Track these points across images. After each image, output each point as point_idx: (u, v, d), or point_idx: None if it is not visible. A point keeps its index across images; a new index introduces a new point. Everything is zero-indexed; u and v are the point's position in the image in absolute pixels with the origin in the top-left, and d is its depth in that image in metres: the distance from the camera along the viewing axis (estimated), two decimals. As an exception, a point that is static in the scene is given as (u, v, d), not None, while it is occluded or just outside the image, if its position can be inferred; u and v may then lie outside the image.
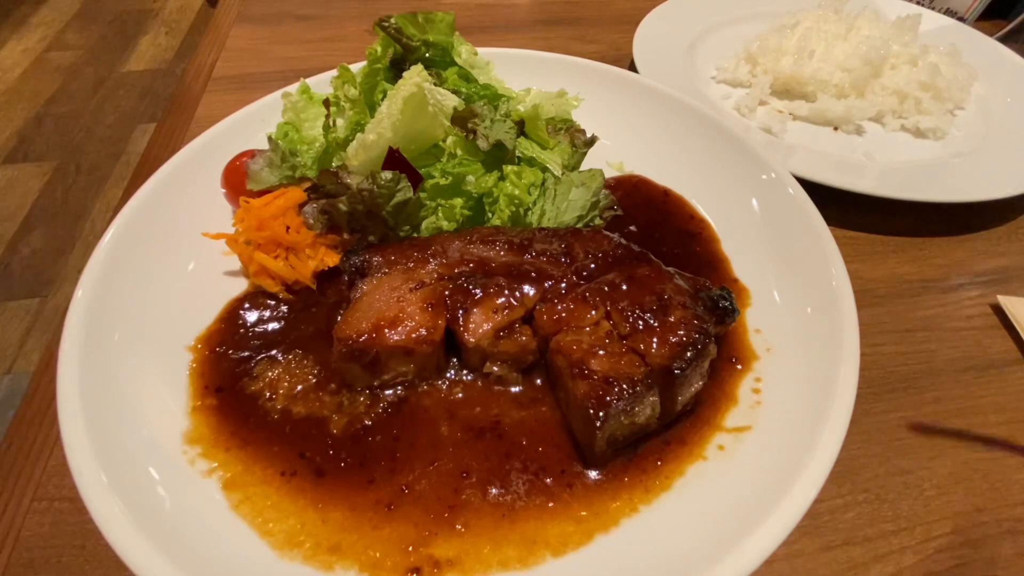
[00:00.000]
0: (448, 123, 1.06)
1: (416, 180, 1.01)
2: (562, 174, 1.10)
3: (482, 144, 1.03)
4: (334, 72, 1.23)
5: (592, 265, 0.92)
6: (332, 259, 1.01)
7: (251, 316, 0.97)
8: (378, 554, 0.71)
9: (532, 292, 0.88)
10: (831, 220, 1.03)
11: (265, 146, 1.10)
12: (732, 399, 0.87)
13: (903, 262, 1.18)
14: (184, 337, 0.93)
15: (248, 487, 0.77)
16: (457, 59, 1.21)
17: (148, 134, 4.08)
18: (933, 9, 1.90)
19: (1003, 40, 1.75)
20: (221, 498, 0.75)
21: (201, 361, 0.90)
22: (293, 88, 1.22)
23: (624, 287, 0.87)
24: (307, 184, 1.04)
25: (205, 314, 0.97)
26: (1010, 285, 1.14)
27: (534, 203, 1.07)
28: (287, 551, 0.71)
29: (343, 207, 0.98)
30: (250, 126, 1.21)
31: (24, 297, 3.07)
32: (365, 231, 1.03)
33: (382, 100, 1.06)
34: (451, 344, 0.89)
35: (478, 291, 0.88)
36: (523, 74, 1.34)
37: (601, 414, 0.74)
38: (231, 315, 0.97)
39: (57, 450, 0.84)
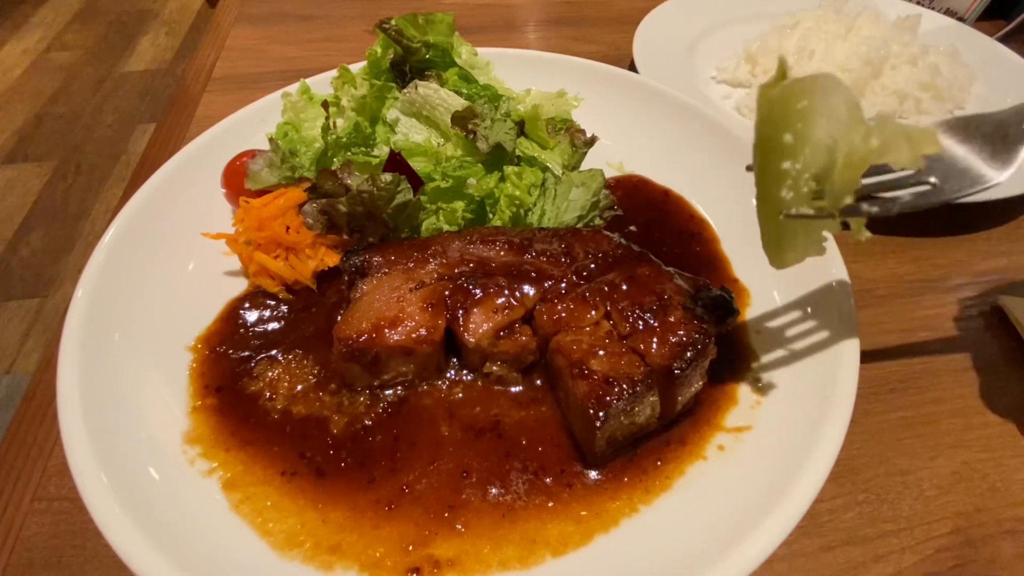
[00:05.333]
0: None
1: (417, 183, 1.01)
2: (562, 174, 1.10)
3: (482, 145, 1.03)
4: (334, 72, 1.23)
5: (592, 265, 0.92)
6: (332, 259, 1.01)
7: (251, 316, 0.97)
8: (378, 554, 0.71)
9: (532, 292, 0.88)
10: (831, 220, 1.03)
11: (265, 146, 1.10)
12: (732, 399, 0.87)
13: (903, 262, 1.18)
14: (184, 337, 0.93)
15: (248, 487, 0.77)
16: (457, 60, 1.21)
17: (148, 134, 4.08)
18: (933, 9, 1.89)
19: (1003, 40, 1.75)
20: (221, 498, 0.75)
21: (201, 361, 0.90)
22: (293, 88, 1.22)
23: (624, 287, 0.87)
24: (307, 184, 1.04)
25: (205, 314, 0.97)
26: (1010, 285, 1.14)
27: (534, 203, 1.07)
28: (287, 551, 0.71)
29: (343, 208, 0.98)
30: (250, 126, 1.21)
31: (24, 297, 3.07)
32: (365, 232, 1.03)
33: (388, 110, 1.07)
34: (451, 344, 0.89)
35: (478, 291, 0.88)
36: (523, 74, 1.34)
37: (601, 414, 0.74)
38: (231, 315, 0.97)
39: (57, 450, 0.84)
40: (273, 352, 0.92)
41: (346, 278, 0.94)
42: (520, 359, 0.88)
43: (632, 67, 1.53)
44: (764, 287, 1.01)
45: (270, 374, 0.89)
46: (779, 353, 0.91)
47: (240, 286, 1.02)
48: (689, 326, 0.82)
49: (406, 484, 0.78)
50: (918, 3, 1.93)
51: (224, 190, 1.11)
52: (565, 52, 1.46)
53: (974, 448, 0.90)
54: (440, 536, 0.73)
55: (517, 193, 1.04)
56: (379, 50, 1.18)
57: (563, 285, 0.89)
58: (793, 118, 0.62)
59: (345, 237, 1.03)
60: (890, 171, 0.72)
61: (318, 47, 1.76)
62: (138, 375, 0.85)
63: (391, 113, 1.12)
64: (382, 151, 1.06)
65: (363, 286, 0.91)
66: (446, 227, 1.04)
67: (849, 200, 0.64)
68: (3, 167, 3.82)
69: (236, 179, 1.08)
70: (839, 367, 0.82)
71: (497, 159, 1.06)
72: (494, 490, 0.78)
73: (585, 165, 1.16)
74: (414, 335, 0.83)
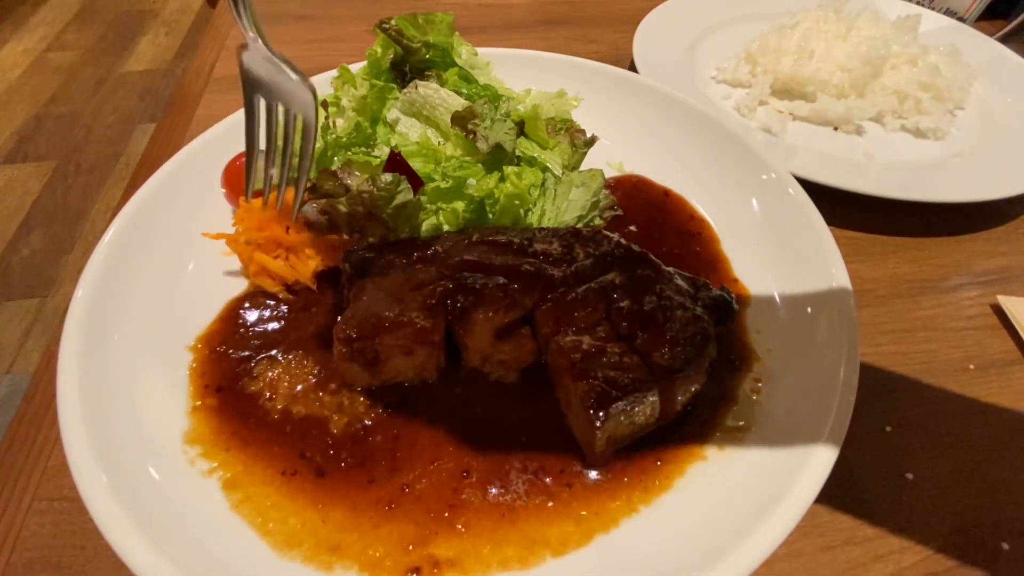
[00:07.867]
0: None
1: (417, 183, 1.01)
2: (562, 174, 1.10)
3: (482, 146, 1.03)
4: (334, 72, 1.23)
5: (592, 265, 0.92)
6: (332, 259, 1.01)
7: (251, 316, 0.97)
8: (378, 553, 0.71)
9: (532, 292, 0.88)
10: (831, 220, 1.03)
11: (265, 146, 1.10)
12: (732, 399, 0.87)
13: (903, 262, 1.18)
14: (184, 337, 0.93)
15: (248, 487, 0.77)
16: (457, 60, 1.21)
17: (148, 134, 4.08)
18: (933, 9, 1.90)
19: (1003, 40, 1.75)
20: (221, 498, 0.75)
21: (201, 361, 0.90)
22: (293, 88, 1.21)
23: (624, 287, 0.87)
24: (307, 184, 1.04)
25: (205, 314, 0.97)
26: (1010, 285, 1.14)
27: (534, 203, 1.07)
28: (287, 551, 0.71)
29: (343, 208, 0.98)
30: (250, 126, 1.21)
31: (24, 297, 3.07)
32: (365, 232, 1.03)
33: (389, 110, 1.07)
34: (451, 344, 0.89)
35: (478, 291, 0.88)
36: (523, 74, 1.34)
37: (601, 414, 0.74)
38: (231, 315, 0.97)
39: (57, 450, 0.84)
40: (273, 352, 0.92)
41: (346, 278, 0.94)
42: (520, 359, 0.88)
43: (632, 67, 1.53)
44: (764, 287, 1.01)
45: (270, 374, 0.89)
46: (779, 353, 0.91)
47: (240, 286, 1.02)
48: (689, 326, 0.82)
49: (406, 484, 0.78)
50: (918, 3, 1.93)
51: (224, 190, 1.11)
52: (565, 52, 1.46)
53: (974, 448, 0.90)
54: (440, 536, 0.73)
55: (517, 193, 1.04)
56: (379, 50, 1.18)
57: (563, 285, 0.89)
58: None
59: (345, 237, 1.03)
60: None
61: (318, 47, 1.76)
62: (138, 375, 0.85)
63: (391, 113, 1.12)
64: (382, 151, 1.06)
65: (363, 286, 0.90)
66: (446, 227, 1.04)
67: None
68: (3, 167, 3.82)
69: (236, 179, 1.08)
70: (839, 367, 0.82)
71: (497, 159, 1.06)
72: (494, 490, 0.77)
73: (585, 165, 1.16)
74: (414, 335, 0.83)
